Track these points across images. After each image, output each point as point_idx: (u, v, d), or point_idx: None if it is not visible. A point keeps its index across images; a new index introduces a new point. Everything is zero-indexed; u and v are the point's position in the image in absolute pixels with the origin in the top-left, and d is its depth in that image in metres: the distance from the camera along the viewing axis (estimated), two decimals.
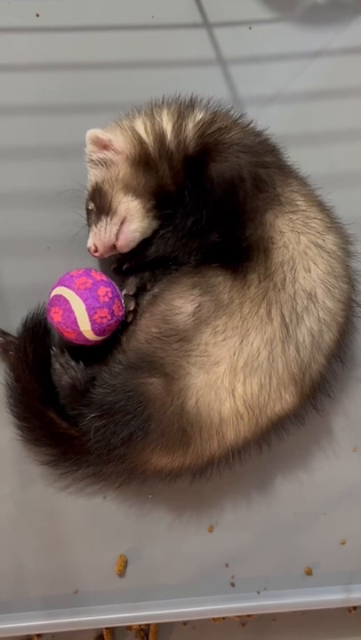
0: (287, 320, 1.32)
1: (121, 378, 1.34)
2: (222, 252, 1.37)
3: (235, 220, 1.35)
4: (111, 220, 1.38)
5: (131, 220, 1.38)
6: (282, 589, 1.52)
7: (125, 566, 1.51)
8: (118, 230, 1.38)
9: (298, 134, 1.57)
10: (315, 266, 1.34)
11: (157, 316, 1.38)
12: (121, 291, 1.43)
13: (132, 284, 1.44)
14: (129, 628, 1.56)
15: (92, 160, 1.43)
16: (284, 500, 1.54)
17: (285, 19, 1.63)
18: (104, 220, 1.38)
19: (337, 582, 1.54)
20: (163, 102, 1.46)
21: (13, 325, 1.47)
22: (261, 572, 1.53)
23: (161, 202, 1.39)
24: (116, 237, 1.39)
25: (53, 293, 1.38)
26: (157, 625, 1.57)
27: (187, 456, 1.35)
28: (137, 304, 1.43)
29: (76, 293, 1.35)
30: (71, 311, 1.34)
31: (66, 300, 1.35)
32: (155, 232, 1.42)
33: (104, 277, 1.40)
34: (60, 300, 1.36)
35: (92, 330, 1.35)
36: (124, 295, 1.43)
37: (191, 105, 1.43)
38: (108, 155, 1.40)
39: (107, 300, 1.36)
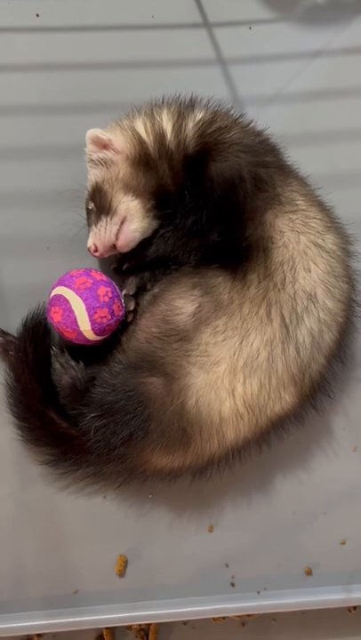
0: (287, 321, 1.32)
1: (121, 377, 1.34)
2: (222, 251, 1.37)
3: (235, 219, 1.35)
4: (111, 219, 1.38)
5: (131, 220, 1.38)
6: (282, 589, 1.52)
7: (125, 566, 1.51)
8: (118, 230, 1.38)
9: (298, 134, 1.57)
10: (315, 265, 1.34)
11: (158, 316, 1.38)
12: (121, 290, 1.43)
13: (132, 284, 1.44)
14: (129, 627, 1.56)
15: (92, 160, 1.43)
16: (284, 500, 1.54)
17: (285, 19, 1.63)
18: (104, 219, 1.38)
19: (337, 582, 1.54)
20: (163, 102, 1.46)
21: (13, 325, 1.47)
22: (261, 572, 1.53)
23: (161, 201, 1.39)
24: (116, 237, 1.39)
25: (53, 293, 1.38)
26: (157, 625, 1.57)
27: (187, 456, 1.35)
28: (137, 304, 1.43)
29: (76, 293, 1.35)
30: (71, 311, 1.34)
31: (66, 300, 1.35)
32: (155, 232, 1.42)
33: (104, 277, 1.40)
34: (60, 299, 1.36)
35: (92, 329, 1.35)
36: (124, 295, 1.43)
37: (191, 105, 1.43)
38: (108, 154, 1.40)
39: (107, 299, 1.36)
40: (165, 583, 1.51)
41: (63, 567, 1.50)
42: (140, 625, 1.56)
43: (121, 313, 1.39)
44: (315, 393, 1.42)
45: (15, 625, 1.45)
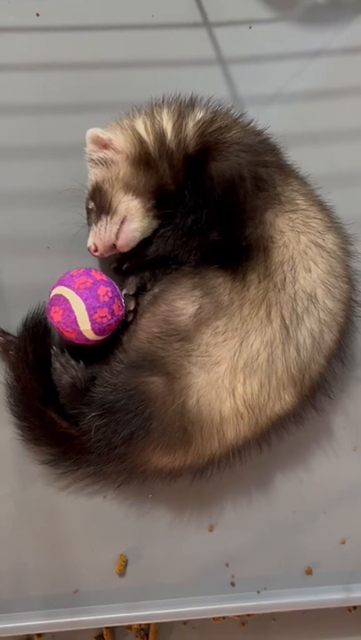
0: (287, 322, 1.32)
1: (122, 377, 1.34)
2: (222, 250, 1.37)
3: (235, 218, 1.35)
4: (111, 219, 1.38)
5: (131, 220, 1.38)
6: (282, 589, 1.52)
7: (125, 566, 1.51)
8: (118, 229, 1.38)
9: (298, 134, 1.57)
10: (315, 265, 1.34)
11: (158, 317, 1.38)
12: (121, 290, 1.43)
13: (132, 284, 1.44)
14: (129, 627, 1.56)
15: (92, 159, 1.43)
16: (285, 500, 1.54)
17: (286, 18, 1.63)
18: (104, 219, 1.38)
19: (337, 582, 1.54)
20: (163, 102, 1.46)
21: (13, 325, 1.47)
22: (261, 572, 1.53)
23: (161, 201, 1.39)
24: (117, 237, 1.39)
25: (53, 293, 1.38)
26: (157, 624, 1.57)
27: (187, 455, 1.35)
28: (137, 303, 1.43)
29: (76, 293, 1.35)
30: (71, 311, 1.34)
31: (66, 300, 1.35)
32: (155, 231, 1.42)
33: (104, 277, 1.40)
34: (60, 299, 1.36)
35: (92, 329, 1.35)
36: (125, 295, 1.43)
37: (191, 104, 1.43)
38: (108, 154, 1.40)
39: (107, 299, 1.36)
40: (165, 583, 1.51)
41: (63, 567, 1.50)
42: (140, 625, 1.56)
43: (121, 313, 1.39)
44: (314, 393, 1.42)
45: (15, 625, 1.45)
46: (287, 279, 1.33)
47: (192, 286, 1.38)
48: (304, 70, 1.62)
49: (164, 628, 1.58)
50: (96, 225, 1.40)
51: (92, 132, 1.41)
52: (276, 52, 1.62)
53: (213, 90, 1.50)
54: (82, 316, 1.34)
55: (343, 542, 1.56)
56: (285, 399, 1.35)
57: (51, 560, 1.50)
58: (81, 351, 1.41)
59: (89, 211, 1.43)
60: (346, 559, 1.55)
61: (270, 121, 1.47)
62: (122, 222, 1.38)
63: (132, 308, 1.42)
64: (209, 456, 1.36)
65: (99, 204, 1.40)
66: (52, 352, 1.43)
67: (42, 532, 1.50)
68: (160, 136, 1.39)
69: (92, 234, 1.41)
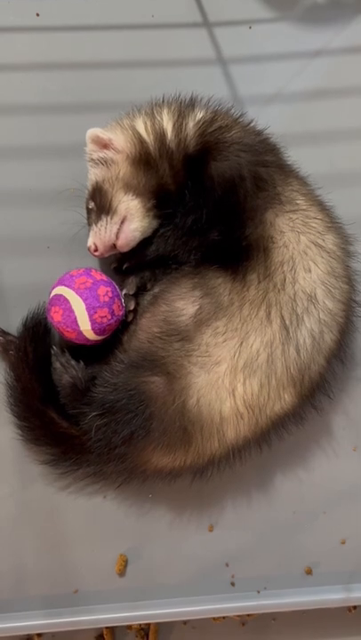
0: (287, 322, 1.32)
1: (122, 376, 1.34)
2: (222, 250, 1.37)
3: (235, 218, 1.35)
4: (111, 219, 1.38)
5: (131, 220, 1.38)
6: (282, 589, 1.52)
7: (125, 566, 1.51)
8: (118, 229, 1.38)
9: (298, 133, 1.57)
10: (315, 266, 1.34)
11: (159, 317, 1.38)
12: (121, 290, 1.43)
13: (132, 284, 1.44)
14: (129, 627, 1.56)
15: (92, 159, 1.43)
16: (285, 500, 1.54)
17: (286, 18, 1.63)
18: (104, 219, 1.38)
19: (337, 582, 1.54)
20: (163, 101, 1.46)
21: (13, 325, 1.47)
22: (261, 572, 1.53)
23: (161, 201, 1.39)
24: (117, 236, 1.39)
25: (53, 293, 1.38)
26: (157, 624, 1.57)
27: (187, 455, 1.35)
28: (137, 303, 1.43)
29: (76, 293, 1.35)
30: (71, 311, 1.34)
31: (66, 300, 1.35)
32: (155, 231, 1.42)
33: (104, 277, 1.40)
34: (60, 299, 1.36)
35: (93, 329, 1.35)
36: (125, 294, 1.43)
37: (191, 104, 1.43)
38: (108, 154, 1.40)
39: (107, 299, 1.36)
40: (165, 583, 1.51)
41: (63, 567, 1.50)
42: (140, 624, 1.56)
43: (121, 313, 1.39)
44: (314, 393, 1.42)
45: (15, 624, 1.45)
46: (287, 279, 1.33)
47: (192, 286, 1.38)
48: (304, 70, 1.62)
49: (164, 627, 1.58)
50: (96, 225, 1.40)
51: (92, 131, 1.41)
52: (276, 51, 1.62)
53: (213, 90, 1.49)
54: (82, 315, 1.34)
55: (343, 542, 1.56)
56: (285, 399, 1.35)
57: (51, 560, 1.50)
58: (81, 351, 1.41)
59: (89, 211, 1.43)
60: (346, 559, 1.55)
61: (270, 121, 1.47)
62: (122, 222, 1.38)
63: (132, 307, 1.42)
64: (209, 456, 1.36)
65: (99, 204, 1.40)
66: (53, 352, 1.43)
67: (42, 531, 1.50)
68: (160, 136, 1.39)
69: (92, 234, 1.41)
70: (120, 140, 1.40)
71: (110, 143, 1.40)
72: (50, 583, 1.49)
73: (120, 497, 1.51)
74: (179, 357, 1.32)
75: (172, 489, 1.48)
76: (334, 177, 1.58)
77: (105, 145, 1.41)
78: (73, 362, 1.40)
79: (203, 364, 1.31)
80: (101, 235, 1.39)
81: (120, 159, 1.40)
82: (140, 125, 1.41)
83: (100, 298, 1.35)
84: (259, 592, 1.53)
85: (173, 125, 1.39)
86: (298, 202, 1.38)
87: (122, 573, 1.51)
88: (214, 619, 1.55)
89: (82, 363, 1.41)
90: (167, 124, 1.40)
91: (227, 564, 1.53)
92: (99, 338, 1.37)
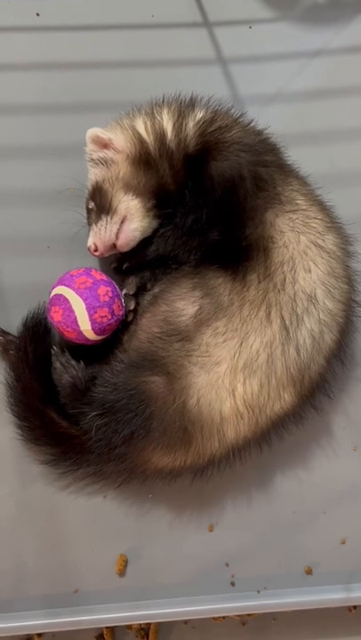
0: (287, 322, 1.32)
1: (122, 376, 1.34)
2: (222, 250, 1.37)
3: (235, 218, 1.35)
4: (111, 219, 1.38)
5: (131, 219, 1.38)
6: (282, 588, 1.52)
7: (125, 565, 1.51)
8: (118, 229, 1.38)
9: (298, 133, 1.57)
10: (315, 266, 1.34)
11: (159, 317, 1.38)
12: (121, 290, 1.43)
13: (132, 284, 1.44)
14: (129, 627, 1.56)
15: (92, 159, 1.43)
16: (285, 500, 1.54)
17: (286, 18, 1.63)
18: (104, 219, 1.38)
19: (337, 581, 1.54)
20: (163, 101, 1.46)
21: (14, 325, 1.47)
22: (261, 572, 1.53)
23: (161, 201, 1.39)
24: (117, 236, 1.39)
25: (53, 293, 1.38)
26: (157, 624, 1.57)
27: (188, 455, 1.35)
28: (137, 303, 1.43)
29: (77, 293, 1.35)
30: (71, 310, 1.34)
31: (66, 300, 1.35)
32: (155, 231, 1.42)
33: (104, 277, 1.40)
34: (61, 299, 1.36)
35: (93, 329, 1.35)
36: (125, 294, 1.43)
37: (191, 104, 1.43)
38: (108, 154, 1.40)
39: (107, 299, 1.36)
40: (165, 582, 1.51)
41: (63, 566, 1.50)
42: (140, 624, 1.56)
43: (121, 312, 1.39)
44: (314, 393, 1.42)
45: (15, 624, 1.45)
46: (287, 280, 1.33)
47: (192, 287, 1.38)
48: (304, 70, 1.62)
49: (164, 627, 1.58)
50: (96, 225, 1.40)
51: (93, 131, 1.41)
52: (276, 51, 1.62)
53: (213, 90, 1.50)
54: (82, 315, 1.34)
55: (343, 542, 1.56)
56: (285, 399, 1.35)
57: (51, 560, 1.50)
58: (81, 351, 1.41)
59: (89, 210, 1.43)
60: (346, 559, 1.55)
61: (270, 121, 1.47)
62: (122, 222, 1.38)
63: (132, 307, 1.42)
64: (209, 456, 1.36)
65: (99, 204, 1.40)
66: (53, 352, 1.42)
67: (42, 531, 1.50)
68: (160, 136, 1.39)
69: (92, 233, 1.41)
70: (120, 140, 1.40)
71: (110, 143, 1.40)
72: (50, 583, 1.49)
73: (120, 497, 1.51)
74: (179, 357, 1.32)
75: (172, 489, 1.48)
76: (334, 177, 1.58)
77: (105, 145, 1.41)
78: (73, 362, 1.40)
79: (203, 364, 1.31)
80: (101, 235, 1.39)
81: (120, 159, 1.40)
82: (140, 125, 1.41)
83: (100, 298, 1.35)
84: (259, 592, 1.53)
85: (173, 125, 1.39)
86: (298, 202, 1.38)
87: (122, 573, 1.51)
88: (214, 618, 1.55)
89: (82, 363, 1.41)
90: (167, 123, 1.40)
91: (227, 564, 1.53)
92: (99, 338, 1.37)
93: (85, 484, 1.50)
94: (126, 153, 1.39)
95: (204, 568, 1.52)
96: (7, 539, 1.50)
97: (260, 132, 1.45)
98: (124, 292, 1.43)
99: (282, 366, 1.32)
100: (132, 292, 1.43)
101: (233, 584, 1.53)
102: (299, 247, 1.34)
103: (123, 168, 1.39)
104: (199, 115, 1.40)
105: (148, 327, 1.39)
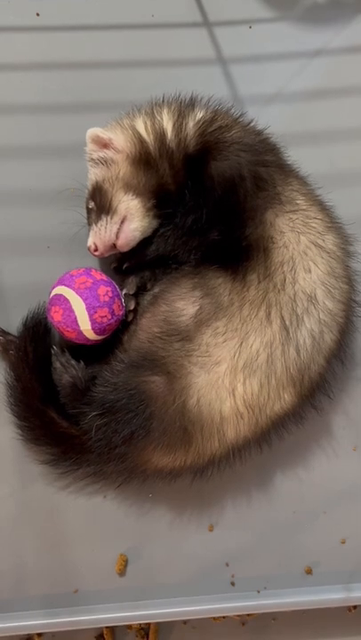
0: (287, 322, 1.32)
1: (123, 376, 1.34)
2: (222, 250, 1.37)
3: (235, 218, 1.35)
4: (111, 218, 1.38)
5: (131, 219, 1.38)
6: (282, 588, 1.52)
7: (125, 565, 1.51)
8: (118, 229, 1.38)
9: (298, 133, 1.57)
10: (315, 266, 1.34)
11: (159, 317, 1.38)
12: (121, 290, 1.43)
13: (132, 284, 1.44)
14: (129, 627, 1.56)
15: (92, 159, 1.43)
16: (285, 499, 1.54)
17: (286, 18, 1.63)
18: (104, 218, 1.38)
19: (337, 581, 1.54)
20: (163, 101, 1.46)
21: (14, 325, 1.47)
22: (261, 571, 1.53)
23: (161, 201, 1.39)
24: (117, 236, 1.39)
25: (53, 293, 1.38)
26: (157, 624, 1.57)
27: (188, 455, 1.35)
28: (137, 303, 1.43)
29: (77, 293, 1.35)
30: (71, 310, 1.34)
31: (66, 300, 1.35)
32: (155, 231, 1.42)
33: (104, 277, 1.40)
34: (61, 299, 1.36)
35: (93, 329, 1.35)
36: (125, 294, 1.43)
37: (191, 104, 1.43)
38: (108, 153, 1.40)
39: (107, 299, 1.36)
40: (165, 582, 1.51)
41: (63, 566, 1.50)
42: (141, 624, 1.56)
43: (121, 312, 1.39)
44: (314, 393, 1.42)
45: (15, 624, 1.45)
46: (287, 280, 1.33)
47: (192, 287, 1.38)
48: (304, 70, 1.62)
49: (164, 627, 1.58)
50: (96, 224, 1.40)
51: (93, 131, 1.41)
52: (276, 51, 1.62)
53: (213, 90, 1.50)
54: (82, 315, 1.34)
55: (343, 542, 1.56)
56: (285, 399, 1.35)
57: (51, 560, 1.50)
58: (81, 351, 1.41)
59: (89, 210, 1.43)
60: (346, 559, 1.55)
61: (270, 121, 1.47)
62: (122, 222, 1.38)
63: (132, 307, 1.42)
64: (209, 456, 1.36)
65: (99, 204, 1.40)
66: (53, 352, 1.43)
67: (42, 531, 1.50)
68: (160, 135, 1.39)
69: (92, 233, 1.41)
70: (120, 140, 1.40)
71: (110, 143, 1.40)
72: (50, 583, 1.49)
73: (120, 497, 1.51)
74: (179, 357, 1.32)
75: (172, 489, 1.48)
76: (334, 177, 1.58)
77: (105, 145, 1.41)
78: (73, 362, 1.40)
79: (203, 364, 1.31)
80: (101, 234, 1.39)
81: (120, 159, 1.40)
82: (140, 125, 1.41)
83: (100, 297, 1.35)
84: (259, 592, 1.53)
85: (173, 125, 1.39)
86: (298, 202, 1.38)
87: (122, 573, 1.51)
88: (214, 618, 1.55)
89: (82, 362, 1.41)
90: (167, 123, 1.40)
91: (227, 564, 1.53)
92: (99, 337, 1.37)
93: (85, 484, 1.50)
94: (126, 153, 1.39)
95: (204, 568, 1.52)
96: (7, 539, 1.50)
97: (260, 132, 1.45)
98: (124, 291, 1.43)
99: (282, 366, 1.32)
100: (132, 292, 1.43)
101: (233, 584, 1.53)
102: (299, 247, 1.34)
103: (123, 168, 1.39)
104: (199, 114, 1.40)
105: (148, 327, 1.39)
